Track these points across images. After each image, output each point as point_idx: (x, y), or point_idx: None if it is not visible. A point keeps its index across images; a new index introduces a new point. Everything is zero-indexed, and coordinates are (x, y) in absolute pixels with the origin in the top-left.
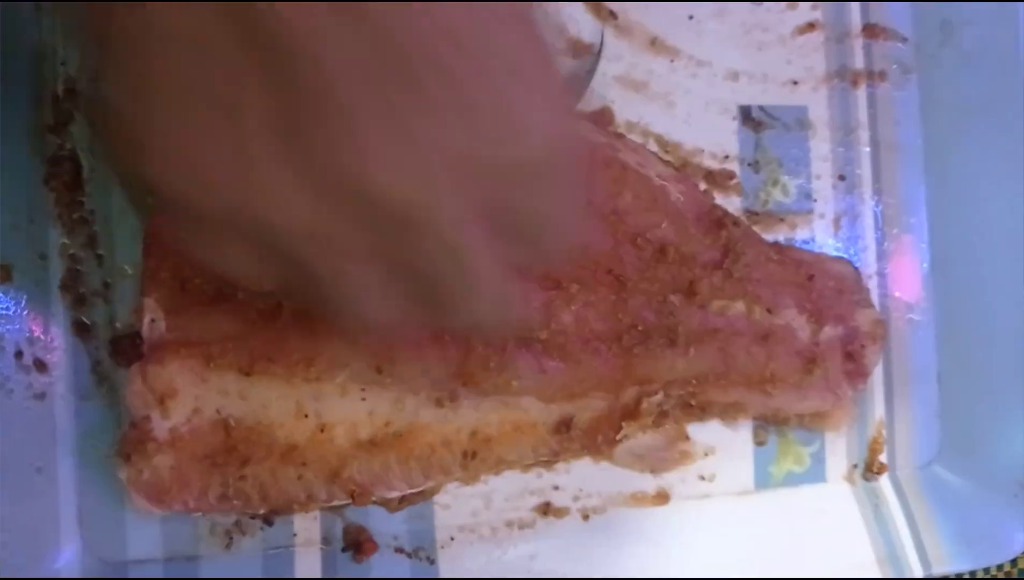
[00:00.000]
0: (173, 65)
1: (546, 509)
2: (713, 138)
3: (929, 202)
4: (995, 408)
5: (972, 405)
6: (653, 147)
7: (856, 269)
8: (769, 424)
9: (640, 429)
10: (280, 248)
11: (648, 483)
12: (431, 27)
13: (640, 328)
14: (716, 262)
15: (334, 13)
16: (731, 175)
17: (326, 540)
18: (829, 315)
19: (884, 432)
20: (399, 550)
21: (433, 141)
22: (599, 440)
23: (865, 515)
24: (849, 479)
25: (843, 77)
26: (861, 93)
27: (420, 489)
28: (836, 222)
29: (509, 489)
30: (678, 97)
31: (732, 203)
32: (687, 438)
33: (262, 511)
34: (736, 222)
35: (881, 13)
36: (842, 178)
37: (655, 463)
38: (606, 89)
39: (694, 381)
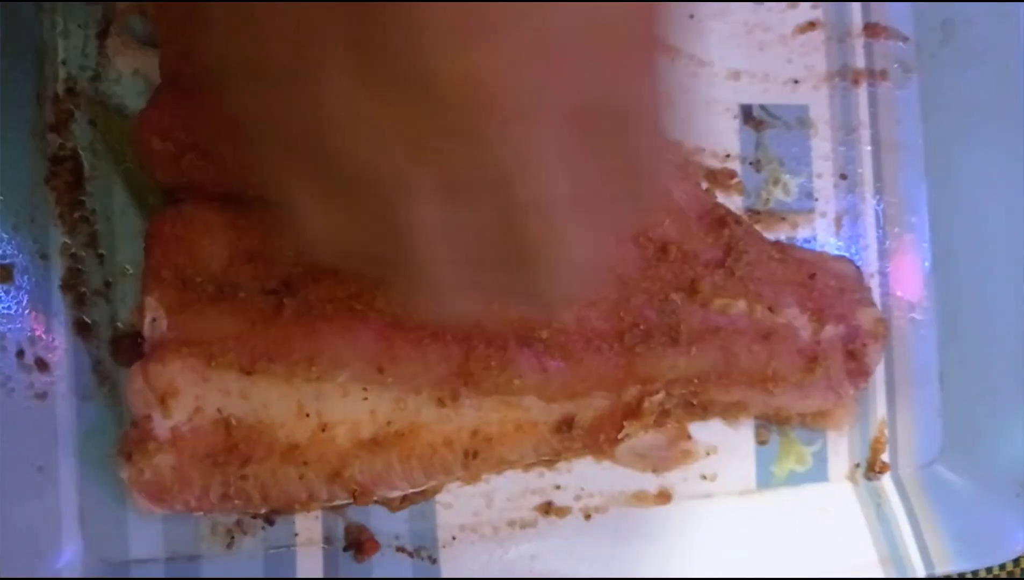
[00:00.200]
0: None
1: (548, 508)
2: (714, 137)
3: (930, 201)
4: (997, 407)
5: (974, 404)
6: None
7: (858, 268)
8: (771, 423)
9: (642, 428)
10: (364, 196)
11: (650, 482)
12: None
13: (642, 327)
14: (718, 261)
15: None
16: (732, 174)
17: (328, 539)
18: (831, 314)
19: (886, 431)
20: (401, 549)
21: (508, 22)
22: (601, 439)
23: (867, 515)
24: (851, 478)
25: (844, 76)
26: (862, 92)
27: (422, 488)
28: (837, 221)
29: (511, 488)
30: (679, 96)
31: (733, 202)
32: (689, 437)
33: (263, 510)
34: (738, 221)
35: (882, 12)
36: (843, 177)
37: (657, 462)
38: None
39: (696, 380)
